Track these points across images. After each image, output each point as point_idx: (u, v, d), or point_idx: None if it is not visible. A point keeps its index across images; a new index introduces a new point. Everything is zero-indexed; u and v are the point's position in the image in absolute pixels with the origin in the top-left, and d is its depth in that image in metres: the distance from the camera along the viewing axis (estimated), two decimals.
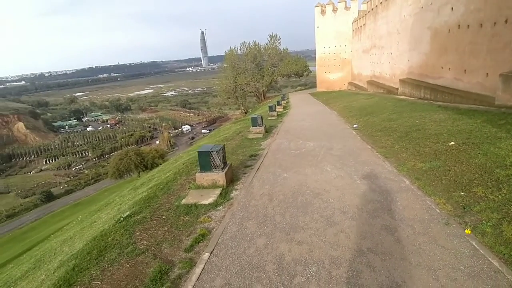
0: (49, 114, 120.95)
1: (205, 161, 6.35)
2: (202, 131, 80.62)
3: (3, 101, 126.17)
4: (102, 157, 72.55)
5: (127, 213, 5.44)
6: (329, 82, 39.85)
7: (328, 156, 8.29)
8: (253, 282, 3.34)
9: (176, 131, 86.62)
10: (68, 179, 61.69)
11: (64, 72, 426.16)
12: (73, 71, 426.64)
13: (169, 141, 69.40)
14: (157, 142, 73.13)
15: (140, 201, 6.15)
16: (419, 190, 5.37)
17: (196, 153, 10.49)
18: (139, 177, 35.95)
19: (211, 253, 3.98)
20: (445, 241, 3.76)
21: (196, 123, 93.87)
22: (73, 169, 68.67)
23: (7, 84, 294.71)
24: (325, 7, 37.45)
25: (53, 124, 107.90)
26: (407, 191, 5.43)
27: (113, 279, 3.58)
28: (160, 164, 35.18)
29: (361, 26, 32.17)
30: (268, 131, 13.25)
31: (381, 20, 25.10)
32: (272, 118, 17.85)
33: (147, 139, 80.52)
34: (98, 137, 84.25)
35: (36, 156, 77.67)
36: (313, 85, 56.83)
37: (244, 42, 44.81)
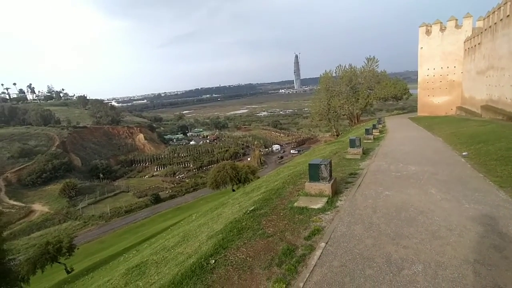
0: (162, 128, 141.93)
1: (314, 173, 7.38)
2: (291, 151, 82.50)
3: (130, 116, 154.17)
4: (201, 168, 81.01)
5: (252, 208, 6.84)
6: (432, 106, 36.67)
7: (433, 180, 8.32)
8: (365, 268, 4.13)
9: (267, 149, 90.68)
10: (172, 185, 70.39)
11: (175, 92, 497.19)
12: (183, 92, 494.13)
13: (260, 159, 73.32)
14: (249, 159, 78.00)
15: (258, 201, 7.54)
16: None
17: (297, 168, 11.69)
18: (233, 190, 39.21)
19: (326, 243, 4.91)
20: None
21: (286, 143, 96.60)
22: (176, 177, 78.29)
23: (134, 102, 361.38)
24: (431, 26, 35.28)
25: (164, 137, 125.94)
26: None
27: (254, 249, 4.86)
28: (251, 179, 37.86)
29: (475, 46, 29.15)
30: (365, 153, 13.53)
31: (502, 38, 22.49)
32: (369, 141, 17.86)
33: (240, 155, 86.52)
34: (198, 150, 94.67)
35: (150, 163, 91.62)
36: (413, 109, 52.72)
37: (340, 65, 45.29)
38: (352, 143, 13.33)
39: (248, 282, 4.03)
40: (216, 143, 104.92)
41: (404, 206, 6.43)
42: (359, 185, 8.31)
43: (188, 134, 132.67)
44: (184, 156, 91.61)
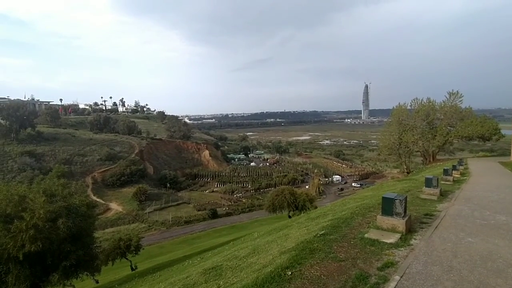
0: (226, 147, 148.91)
1: (388, 207, 7.32)
2: (353, 184, 78.89)
3: (199, 133, 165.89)
4: (258, 190, 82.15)
5: (322, 232, 7.06)
6: None
7: None
8: None
9: (326, 179, 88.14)
10: (230, 203, 72.41)
11: (242, 114, 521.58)
12: (248, 114, 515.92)
13: (319, 188, 71.51)
14: (307, 186, 76.63)
15: (327, 227, 7.71)
16: None
17: (366, 201, 11.48)
18: (289, 216, 38.86)
19: (401, 277, 4.90)
20: None
21: (347, 175, 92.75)
22: (234, 195, 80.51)
23: (203, 120, 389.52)
24: None
25: (227, 155, 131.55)
26: None
27: (327, 269, 5.11)
28: (309, 208, 37.13)
29: None
30: (443, 195, 12.60)
31: None
32: (447, 182, 16.50)
33: (298, 182, 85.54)
34: (258, 172, 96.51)
35: (211, 179, 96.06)
36: (503, 152, 46.56)
37: (416, 98, 42.76)
38: (428, 183, 12.56)
39: None
40: (276, 167, 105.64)
41: (491, 256, 5.97)
42: (436, 227, 7.88)
43: (249, 155, 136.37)
44: (244, 176, 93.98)
